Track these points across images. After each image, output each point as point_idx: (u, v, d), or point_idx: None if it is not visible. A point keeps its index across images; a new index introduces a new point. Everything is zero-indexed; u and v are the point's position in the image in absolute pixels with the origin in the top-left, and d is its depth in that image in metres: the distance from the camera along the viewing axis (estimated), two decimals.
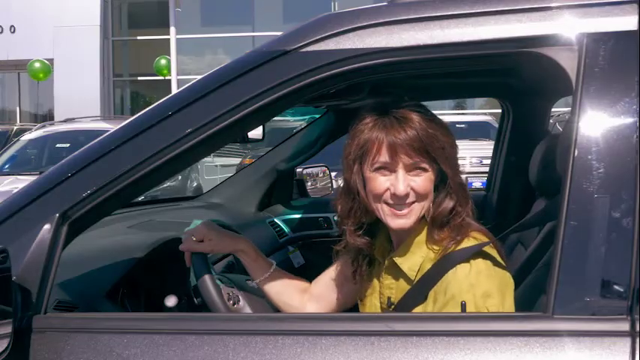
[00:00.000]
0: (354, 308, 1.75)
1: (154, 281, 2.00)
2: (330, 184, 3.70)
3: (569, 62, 1.30)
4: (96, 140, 1.48)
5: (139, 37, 20.98)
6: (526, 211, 2.50)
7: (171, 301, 1.73)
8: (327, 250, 3.08)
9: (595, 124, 1.25)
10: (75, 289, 1.73)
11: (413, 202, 1.50)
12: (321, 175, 3.67)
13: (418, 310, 1.49)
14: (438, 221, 1.52)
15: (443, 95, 3.19)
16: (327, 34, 1.39)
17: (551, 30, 1.33)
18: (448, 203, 1.51)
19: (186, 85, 1.49)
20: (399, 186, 1.48)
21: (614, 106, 1.25)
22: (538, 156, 2.26)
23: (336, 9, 20.74)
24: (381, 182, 1.50)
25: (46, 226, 1.38)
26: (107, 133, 1.48)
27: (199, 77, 1.50)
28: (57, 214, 1.39)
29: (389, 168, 1.50)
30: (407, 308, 1.51)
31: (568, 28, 1.32)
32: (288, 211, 3.32)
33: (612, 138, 1.24)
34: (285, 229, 3.21)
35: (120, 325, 1.37)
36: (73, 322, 1.40)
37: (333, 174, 3.89)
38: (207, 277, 1.67)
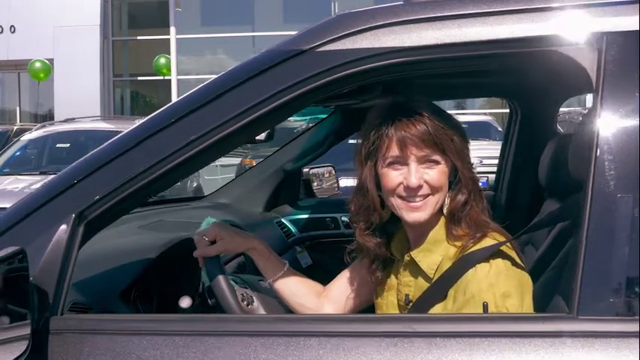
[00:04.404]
0: (371, 307, 1.74)
1: (166, 282, 1.99)
2: (336, 185, 3.69)
3: (588, 61, 1.30)
4: (112, 140, 1.47)
5: (139, 37, 20.96)
6: (535, 211, 2.49)
7: (185, 302, 1.72)
8: (334, 251, 3.09)
9: (616, 122, 1.25)
10: (88, 290, 1.72)
11: (427, 195, 1.52)
12: (327, 176, 3.66)
13: (437, 308, 1.49)
14: (454, 216, 1.53)
15: (451, 95, 3.19)
16: (343, 34, 1.38)
17: (570, 29, 1.32)
18: (461, 197, 1.53)
19: (201, 85, 1.48)
20: (412, 178, 1.49)
21: (635, 105, 1.25)
22: (548, 156, 2.26)
23: (336, 9, 20.74)
24: (394, 176, 1.52)
25: (63, 227, 1.37)
26: (123, 133, 1.47)
27: (213, 76, 1.49)
28: (73, 215, 1.38)
29: (401, 162, 1.52)
30: (425, 306, 1.51)
31: (588, 27, 1.31)
32: (295, 212, 3.31)
33: (634, 136, 1.23)
34: (293, 229, 3.20)
35: (139, 326, 1.35)
36: (90, 324, 1.38)
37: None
38: (221, 278, 1.66)
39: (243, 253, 1.93)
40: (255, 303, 1.74)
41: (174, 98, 15.35)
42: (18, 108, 21.08)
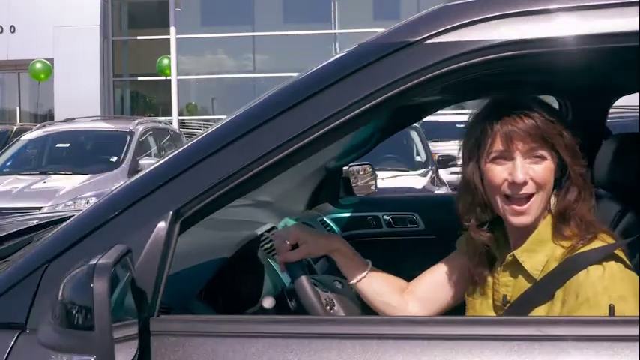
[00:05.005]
0: (460, 307, 1.69)
1: (236, 281, 1.93)
2: (372, 183, 3.62)
3: None
4: (208, 132, 1.42)
5: (139, 37, 20.91)
6: None
7: (268, 302, 1.67)
8: (377, 250, 3.03)
9: None
10: (168, 289, 1.65)
11: (531, 195, 1.46)
12: (362, 173, 3.57)
13: (541, 310, 1.44)
14: (563, 215, 1.47)
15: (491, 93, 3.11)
16: (454, 25, 1.31)
17: None
18: (571, 195, 1.47)
19: (300, 79, 1.41)
20: (517, 173, 1.44)
21: None
22: (608, 155, 2.20)
23: (336, 9, 20.73)
24: (498, 172, 1.47)
25: (161, 224, 1.31)
26: (219, 125, 1.42)
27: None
28: (171, 212, 1.32)
29: (506, 157, 1.46)
30: (526, 307, 1.45)
31: None
32: (336, 210, 3.25)
33: None
34: (335, 228, 3.13)
35: (242, 328, 1.29)
36: (192, 325, 1.32)
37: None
38: (306, 283, 1.60)
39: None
40: (337, 306, 1.68)
41: (174, 98, 15.36)
42: (18, 108, 20.99)
